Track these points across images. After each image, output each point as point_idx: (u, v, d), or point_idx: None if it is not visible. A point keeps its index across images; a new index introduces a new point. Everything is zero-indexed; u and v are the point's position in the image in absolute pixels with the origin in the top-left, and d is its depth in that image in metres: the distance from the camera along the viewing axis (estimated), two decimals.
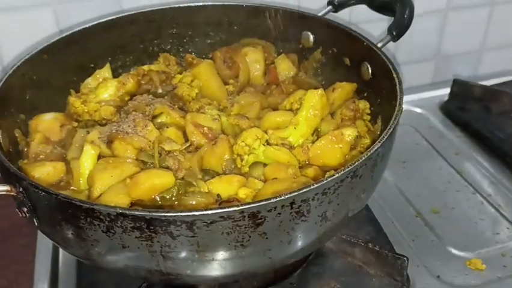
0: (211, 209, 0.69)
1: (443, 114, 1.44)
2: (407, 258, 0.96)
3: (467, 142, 1.35)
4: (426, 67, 1.62)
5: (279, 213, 0.71)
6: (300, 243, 0.79)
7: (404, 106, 1.43)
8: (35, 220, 0.77)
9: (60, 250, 1.06)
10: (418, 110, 1.45)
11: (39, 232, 1.10)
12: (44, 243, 1.09)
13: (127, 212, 0.68)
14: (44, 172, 0.91)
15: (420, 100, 1.47)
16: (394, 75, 0.94)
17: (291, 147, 0.96)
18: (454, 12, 1.53)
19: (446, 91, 1.46)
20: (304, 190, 0.71)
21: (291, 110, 1.02)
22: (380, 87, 1.01)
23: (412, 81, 1.55)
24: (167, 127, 0.97)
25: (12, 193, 0.75)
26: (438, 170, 1.27)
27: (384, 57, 0.99)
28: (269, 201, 0.70)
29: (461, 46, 1.61)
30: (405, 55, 1.52)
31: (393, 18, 1.07)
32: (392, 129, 0.82)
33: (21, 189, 0.74)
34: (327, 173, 0.92)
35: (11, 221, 1.18)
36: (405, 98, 1.42)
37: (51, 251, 1.07)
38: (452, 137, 1.37)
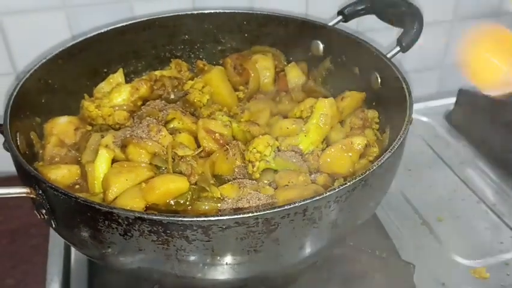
0: (226, 215, 0.71)
1: (449, 124, 1.45)
2: (414, 266, 0.98)
3: (472, 151, 1.37)
4: (432, 76, 1.64)
5: (292, 220, 0.73)
6: (310, 249, 0.81)
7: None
8: (53, 222, 0.79)
9: (73, 251, 1.08)
10: (424, 119, 1.47)
11: (50, 233, 1.13)
12: (56, 245, 1.10)
13: (145, 216, 0.70)
14: (59, 174, 0.93)
15: (426, 109, 1.49)
16: (404, 86, 0.96)
17: (301, 154, 0.97)
18: (461, 22, 1.55)
19: (452, 100, 1.48)
20: (317, 198, 0.73)
21: (301, 117, 1.04)
22: (389, 97, 1.03)
23: (418, 90, 1.57)
24: (180, 132, 0.99)
25: (31, 195, 0.77)
26: (443, 179, 1.29)
27: (393, 68, 1.01)
28: (283, 208, 0.71)
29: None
30: (411, 63, 1.54)
31: (402, 29, 1.10)
32: (402, 139, 0.84)
33: (40, 192, 0.76)
34: (336, 180, 0.94)
35: (20, 222, 1.20)
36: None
37: (63, 252, 1.08)
38: (458, 146, 1.39)
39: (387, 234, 1.10)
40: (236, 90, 1.17)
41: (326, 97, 1.09)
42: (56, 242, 1.11)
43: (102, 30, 1.14)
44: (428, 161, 1.34)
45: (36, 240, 1.17)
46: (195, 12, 1.22)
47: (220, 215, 0.71)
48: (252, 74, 1.18)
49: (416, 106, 1.46)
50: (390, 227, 1.13)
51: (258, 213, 0.70)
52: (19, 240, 1.19)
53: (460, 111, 1.46)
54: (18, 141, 0.90)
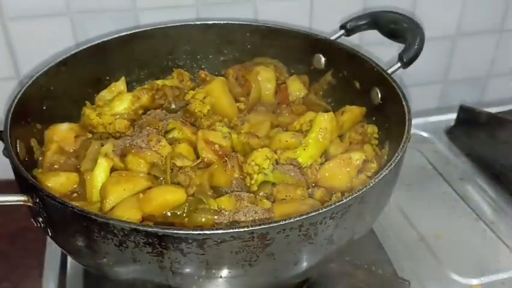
0: (222, 229, 0.71)
1: (449, 139, 1.45)
2: (409, 282, 0.98)
3: (471, 168, 1.37)
4: (433, 91, 1.64)
5: (288, 235, 0.73)
6: (305, 264, 0.81)
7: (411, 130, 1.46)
8: (49, 230, 0.80)
9: (69, 259, 1.08)
10: (424, 134, 1.47)
11: (48, 239, 1.13)
12: (53, 251, 1.11)
13: (140, 228, 0.70)
14: (58, 182, 0.93)
15: (426, 124, 1.49)
16: (404, 103, 0.96)
17: (299, 168, 0.98)
18: (463, 38, 1.55)
19: (452, 116, 1.48)
20: (313, 214, 0.73)
21: (300, 131, 1.05)
22: (388, 113, 1.03)
23: (418, 105, 1.57)
24: (179, 143, 0.99)
25: (28, 203, 0.77)
26: (442, 195, 1.28)
27: (394, 84, 1.01)
28: (278, 223, 0.72)
29: (469, 72, 1.63)
30: (412, 78, 1.54)
31: (403, 45, 1.10)
32: (399, 156, 0.84)
33: (37, 200, 0.76)
34: (334, 195, 0.94)
35: (17, 225, 1.20)
36: (412, 121, 1.46)
37: (60, 258, 1.09)
38: (457, 162, 1.39)
39: (384, 250, 1.10)
40: (237, 101, 1.17)
41: (326, 111, 1.10)
42: (53, 248, 1.11)
43: (106, 39, 1.15)
44: (427, 176, 1.34)
45: (33, 244, 1.17)
46: (198, 22, 1.23)
47: (216, 229, 0.71)
48: (254, 86, 1.18)
49: (416, 121, 1.48)
50: (387, 243, 1.13)
51: (254, 228, 0.70)
52: (16, 244, 1.19)
53: (461, 127, 1.46)
54: (18, 148, 0.90)
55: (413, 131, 1.44)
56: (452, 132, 1.47)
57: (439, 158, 1.40)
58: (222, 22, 1.23)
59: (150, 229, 0.70)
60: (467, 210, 1.24)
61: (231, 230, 0.70)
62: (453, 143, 1.44)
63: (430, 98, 1.65)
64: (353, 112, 1.08)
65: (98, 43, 1.13)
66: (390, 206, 1.20)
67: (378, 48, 1.36)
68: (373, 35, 1.19)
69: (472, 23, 1.53)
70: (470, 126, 1.44)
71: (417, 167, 1.36)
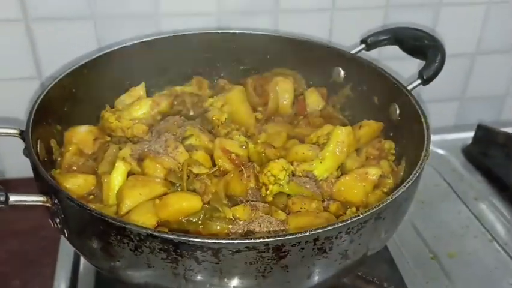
0: (237, 239, 0.71)
1: (465, 158, 1.44)
2: None
3: (487, 188, 1.35)
4: (451, 108, 1.64)
5: (302, 248, 0.73)
6: (318, 278, 0.81)
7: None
8: (65, 231, 0.80)
9: (81, 259, 1.09)
10: (440, 151, 1.46)
11: (61, 239, 1.14)
12: (66, 251, 1.12)
13: (157, 234, 0.71)
14: (76, 184, 0.94)
15: (443, 141, 1.48)
16: (423, 120, 0.96)
17: (315, 181, 0.98)
18: (482, 55, 1.55)
19: (469, 134, 1.47)
20: (329, 228, 0.73)
21: (317, 143, 1.05)
22: (406, 129, 1.03)
23: (435, 121, 1.56)
24: (196, 150, 1.00)
25: (47, 204, 0.78)
26: (457, 214, 1.27)
27: (413, 101, 1.01)
28: (294, 236, 0.72)
29: (487, 90, 1.62)
30: (430, 94, 1.54)
31: (423, 61, 1.10)
32: (417, 174, 0.84)
33: (56, 201, 0.77)
34: (349, 209, 0.94)
35: (30, 224, 1.21)
36: None
37: (73, 259, 1.09)
38: (473, 181, 1.38)
39: (396, 267, 1.09)
40: (254, 110, 1.18)
41: (343, 124, 1.10)
42: (66, 248, 1.12)
43: (127, 44, 1.16)
44: (442, 194, 1.33)
45: (46, 242, 1.18)
46: (219, 31, 1.24)
47: (231, 239, 0.71)
48: (272, 96, 1.19)
49: (432, 138, 1.44)
50: (400, 259, 1.12)
51: (269, 240, 0.71)
52: (29, 242, 1.21)
53: (477, 146, 1.45)
54: (38, 148, 0.92)
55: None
56: (469, 151, 1.46)
57: (455, 176, 1.39)
58: (243, 32, 1.24)
59: (166, 236, 0.70)
60: (482, 231, 1.23)
61: (247, 241, 0.71)
62: (469, 162, 1.43)
63: (447, 115, 1.65)
64: (370, 127, 1.08)
65: (120, 48, 1.14)
66: (404, 222, 1.21)
67: (397, 63, 1.36)
68: (391, 49, 1.19)
69: (491, 41, 1.53)
70: (487, 145, 1.43)
71: (432, 185, 1.35)
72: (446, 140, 1.50)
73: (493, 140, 1.43)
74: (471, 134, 1.47)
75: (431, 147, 1.43)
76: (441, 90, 1.56)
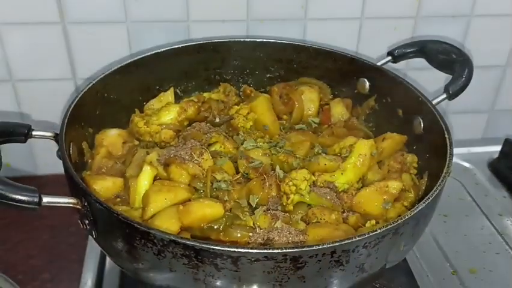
0: (256, 248, 0.73)
1: (491, 172, 1.43)
2: None
3: None
4: (479, 121, 1.62)
5: (320, 260, 0.75)
6: None
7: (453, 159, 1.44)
8: (93, 233, 0.84)
9: (107, 259, 1.13)
10: (466, 165, 1.45)
11: (89, 237, 1.18)
12: (93, 250, 1.16)
13: (179, 240, 0.73)
14: (104, 186, 0.97)
15: (469, 155, 1.47)
16: (446, 136, 0.96)
17: (336, 192, 0.99)
18: None
19: (496, 148, 1.45)
20: (346, 241, 0.75)
21: (339, 154, 1.06)
22: (430, 143, 1.03)
23: (463, 134, 1.56)
24: (221, 156, 1.03)
25: (78, 206, 0.82)
26: (480, 229, 1.26)
27: (438, 116, 1.01)
28: (311, 248, 0.73)
29: None
30: (459, 106, 1.52)
31: (450, 75, 1.10)
32: (437, 191, 0.85)
33: (86, 204, 0.81)
34: (368, 221, 0.95)
35: (61, 219, 1.25)
36: (454, 150, 1.44)
37: (99, 258, 1.13)
38: (498, 196, 1.36)
39: (415, 280, 1.09)
40: (279, 119, 1.20)
41: (367, 136, 1.11)
42: (93, 247, 1.16)
43: (159, 50, 1.19)
44: (465, 208, 1.32)
45: (74, 238, 1.23)
46: (248, 40, 1.27)
47: (251, 248, 0.73)
48: (297, 105, 1.21)
49: (459, 150, 1.46)
50: (419, 273, 1.12)
51: (287, 251, 0.73)
52: (59, 237, 1.25)
53: (504, 160, 1.43)
54: (70, 151, 0.96)
55: (454, 160, 1.41)
56: (495, 165, 1.44)
57: (479, 191, 1.37)
58: (271, 41, 1.26)
59: (188, 242, 0.73)
60: (505, 247, 1.21)
61: (265, 251, 0.73)
62: (495, 176, 1.41)
63: (476, 128, 1.62)
64: (393, 139, 1.09)
65: (150, 54, 1.18)
66: (425, 235, 1.20)
67: (423, 74, 1.35)
68: (418, 60, 1.19)
69: None
70: None
71: (456, 198, 1.34)
72: (472, 153, 1.48)
73: None
74: (498, 148, 1.45)
75: (457, 160, 1.44)
76: (471, 102, 1.55)
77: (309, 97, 1.22)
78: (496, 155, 1.46)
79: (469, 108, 1.57)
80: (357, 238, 0.75)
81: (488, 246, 1.22)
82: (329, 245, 0.74)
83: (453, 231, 1.25)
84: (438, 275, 1.13)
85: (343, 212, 0.96)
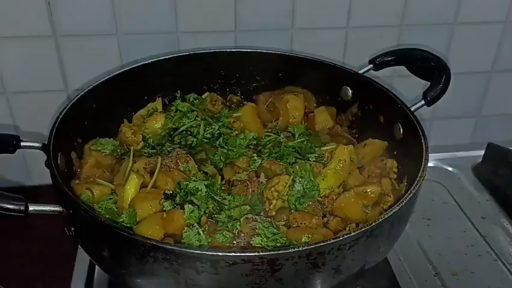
0: (234, 251, 0.76)
1: (475, 176, 1.45)
2: None
3: (495, 207, 1.36)
4: (466, 126, 1.64)
5: (296, 263, 0.77)
6: None
7: (437, 163, 1.47)
8: (79, 239, 0.87)
9: (96, 267, 1.15)
10: (450, 169, 1.47)
11: (79, 248, 1.20)
12: (82, 259, 1.18)
13: (159, 245, 0.76)
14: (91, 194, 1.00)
15: (454, 159, 1.49)
16: (422, 141, 0.99)
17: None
18: (498, 74, 1.55)
19: (480, 153, 1.48)
20: (321, 244, 0.77)
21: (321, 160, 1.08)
22: (409, 149, 1.06)
23: (450, 139, 1.59)
24: (205, 164, 1.06)
25: (63, 214, 0.85)
26: (462, 232, 1.28)
27: (415, 121, 1.04)
28: (287, 251, 0.76)
29: (502, 109, 1.62)
30: (446, 112, 1.55)
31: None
32: (411, 194, 0.87)
33: (71, 211, 0.84)
34: (349, 225, 0.98)
35: (53, 229, 1.25)
36: (439, 155, 1.48)
37: (88, 267, 1.16)
38: (481, 200, 1.38)
39: (397, 282, 1.12)
40: (265, 126, 1.23)
41: (350, 142, 1.14)
42: (83, 255, 1.17)
43: (147, 61, 1.22)
44: (449, 212, 1.34)
45: (66, 247, 1.22)
46: (234, 50, 1.30)
47: (228, 251, 0.76)
48: (282, 113, 1.24)
49: (443, 155, 1.49)
50: (402, 275, 1.14)
51: (263, 254, 0.75)
52: (51, 246, 1.26)
53: (488, 165, 1.45)
54: (58, 160, 0.98)
55: (439, 165, 1.47)
56: (479, 169, 1.47)
57: (463, 194, 1.39)
58: (257, 51, 1.29)
59: (168, 246, 0.76)
60: (486, 250, 1.23)
61: (242, 254, 0.76)
62: (479, 180, 1.44)
63: (463, 133, 1.65)
64: (374, 145, 1.12)
65: (138, 66, 1.20)
66: (408, 238, 1.23)
67: (410, 79, 1.37)
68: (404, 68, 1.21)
69: (508, 60, 1.53)
70: (497, 164, 1.43)
71: (439, 201, 1.37)
72: (457, 158, 1.50)
73: (503, 159, 1.43)
74: (482, 152, 1.48)
75: (441, 165, 1.47)
76: (458, 108, 1.57)
77: (294, 105, 1.25)
78: (480, 160, 1.48)
79: (456, 114, 1.60)
80: (332, 241, 0.78)
81: (470, 249, 1.24)
82: (304, 248, 0.76)
83: (436, 234, 1.27)
84: (420, 277, 1.16)
85: (324, 216, 0.99)
